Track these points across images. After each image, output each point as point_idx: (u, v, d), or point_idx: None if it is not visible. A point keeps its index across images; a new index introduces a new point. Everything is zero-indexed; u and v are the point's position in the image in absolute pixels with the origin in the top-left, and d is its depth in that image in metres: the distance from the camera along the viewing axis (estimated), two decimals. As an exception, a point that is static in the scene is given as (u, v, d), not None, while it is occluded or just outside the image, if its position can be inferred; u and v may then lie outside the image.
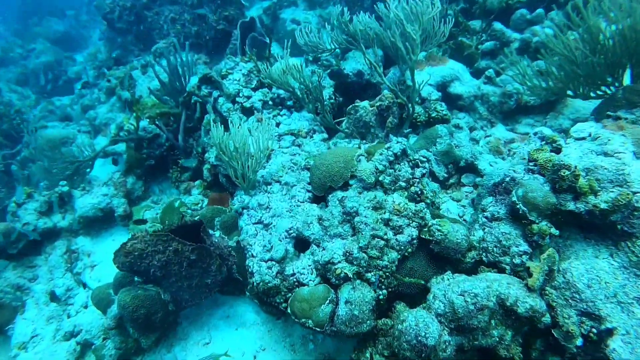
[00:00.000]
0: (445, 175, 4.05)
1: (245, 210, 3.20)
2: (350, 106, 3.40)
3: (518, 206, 2.63)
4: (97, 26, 11.89)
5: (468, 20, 5.51)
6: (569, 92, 3.89)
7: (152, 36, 5.92)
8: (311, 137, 3.82)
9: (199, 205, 4.16)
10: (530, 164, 2.83)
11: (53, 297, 4.04)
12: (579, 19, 3.37)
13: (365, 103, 3.37)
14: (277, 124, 3.86)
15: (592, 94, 3.82)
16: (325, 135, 3.74)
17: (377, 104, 3.29)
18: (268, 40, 5.22)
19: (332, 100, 4.43)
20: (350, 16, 3.37)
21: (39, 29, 11.68)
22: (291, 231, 2.96)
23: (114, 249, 4.75)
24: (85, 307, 4.06)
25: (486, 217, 2.91)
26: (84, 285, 4.12)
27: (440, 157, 4.03)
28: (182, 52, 5.62)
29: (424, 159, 3.15)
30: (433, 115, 4.17)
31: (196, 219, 4.10)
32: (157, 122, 4.43)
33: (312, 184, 3.13)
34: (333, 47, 3.77)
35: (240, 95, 4.05)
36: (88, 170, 5.00)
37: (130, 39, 6.06)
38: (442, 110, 4.17)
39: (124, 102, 5.43)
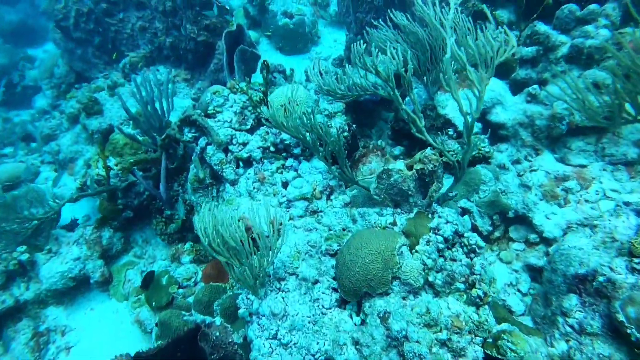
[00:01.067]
0: (490, 228, 3.40)
1: (254, 317, 2.52)
2: (382, 170, 2.67)
3: (630, 332, 1.98)
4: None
5: (492, 8, 4.68)
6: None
7: (119, 47, 4.97)
8: (328, 197, 3.09)
9: (192, 279, 3.47)
10: (635, 260, 2.16)
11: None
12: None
13: (401, 165, 2.63)
14: (285, 184, 3.11)
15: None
16: (347, 198, 3.02)
17: (419, 167, 2.56)
18: (260, 53, 4.35)
19: (345, 134, 3.68)
20: (377, 53, 2.56)
21: (-13, 20, 10.36)
22: (318, 355, 2.29)
23: (93, 322, 4.13)
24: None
25: (571, 327, 2.28)
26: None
27: (484, 208, 3.36)
28: (157, 68, 4.74)
29: (483, 244, 2.47)
30: (472, 153, 3.46)
31: (189, 300, 3.43)
32: (133, 171, 3.65)
33: (340, 286, 2.45)
34: (355, 94, 2.98)
35: (234, 142, 3.26)
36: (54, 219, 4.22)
37: (91, 50, 5.12)
38: (484, 147, 3.46)
39: (91, 133, 4.59)
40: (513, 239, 3.39)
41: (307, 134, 3.00)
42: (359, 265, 2.32)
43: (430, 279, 2.34)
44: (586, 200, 3.37)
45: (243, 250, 2.35)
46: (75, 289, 4.02)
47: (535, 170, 3.74)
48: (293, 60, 6.33)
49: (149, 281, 3.66)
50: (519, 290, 3.12)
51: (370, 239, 2.40)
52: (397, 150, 4.02)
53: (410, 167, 2.67)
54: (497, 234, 3.44)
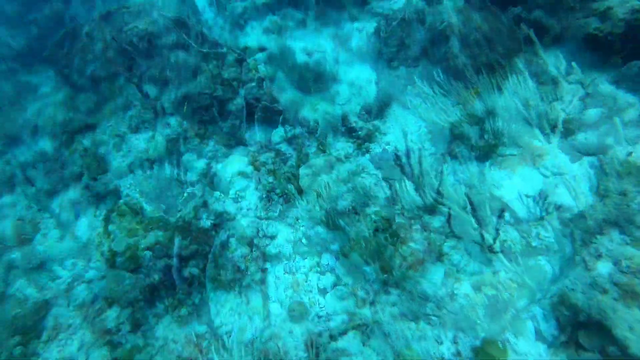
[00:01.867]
0: (556, 332, 2.99)
1: None
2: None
3: None
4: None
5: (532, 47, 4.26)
6: None
7: (126, 96, 4.65)
8: (372, 304, 2.70)
9: (212, 389, 3.08)
10: None
11: None
12: None
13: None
14: (322, 292, 2.73)
15: None
16: (396, 310, 2.62)
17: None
18: (281, 108, 3.98)
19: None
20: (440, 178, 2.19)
21: (-11, 45, 10.05)
22: None
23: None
24: None
25: None
26: None
27: (549, 309, 2.95)
28: (168, 122, 4.41)
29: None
30: (534, 244, 3.07)
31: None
32: (144, 255, 3.29)
33: None
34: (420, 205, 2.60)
35: (260, 234, 2.89)
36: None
37: (96, 98, 4.80)
38: (548, 238, 3.06)
39: (95, 195, 4.25)
40: (584, 348, 2.97)
41: (351, 230, 2.64)
42: None
43: None
44: (672, 301, 2.96)
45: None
46: (76, 381, 3.65)
47: (601, 256, 3.33)
48: (313, 100, 5.94)
49: None
50: None
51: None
52: (437, 221, 3.64)
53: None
54: (563, 337, 3.02)
